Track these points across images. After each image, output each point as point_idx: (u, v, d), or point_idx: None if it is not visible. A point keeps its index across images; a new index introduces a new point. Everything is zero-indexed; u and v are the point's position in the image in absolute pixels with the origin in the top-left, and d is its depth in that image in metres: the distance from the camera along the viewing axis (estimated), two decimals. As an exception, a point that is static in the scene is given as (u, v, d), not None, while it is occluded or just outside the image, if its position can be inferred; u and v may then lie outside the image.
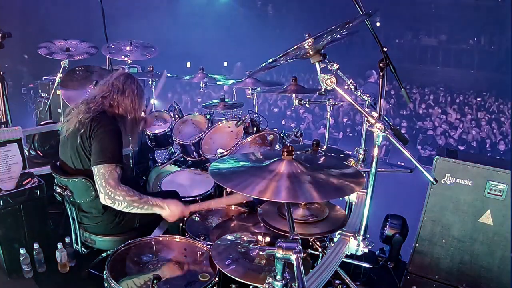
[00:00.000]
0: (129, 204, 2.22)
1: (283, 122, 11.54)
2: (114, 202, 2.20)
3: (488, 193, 2.56)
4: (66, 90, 3.92)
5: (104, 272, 1.90)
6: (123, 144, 2.38)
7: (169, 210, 2.34)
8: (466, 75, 16.35)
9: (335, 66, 1.75)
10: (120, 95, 2.42)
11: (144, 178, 3.95)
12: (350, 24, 1.61)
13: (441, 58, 17.66)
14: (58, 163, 2.51)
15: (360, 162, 2.91)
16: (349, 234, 1.85)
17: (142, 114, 2.72)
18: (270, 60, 1.73)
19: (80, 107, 2.36)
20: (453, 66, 17.12)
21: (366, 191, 1.83)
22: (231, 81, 4.23)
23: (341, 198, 1.95)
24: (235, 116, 3.94)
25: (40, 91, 5.24)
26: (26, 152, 3.52)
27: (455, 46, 17.59)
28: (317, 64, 1.72)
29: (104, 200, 2.21)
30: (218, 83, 4.30)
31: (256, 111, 3.60)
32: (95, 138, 2.24)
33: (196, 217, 2.75)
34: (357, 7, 1.72)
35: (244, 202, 2.86)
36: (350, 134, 11.13)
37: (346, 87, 2.27)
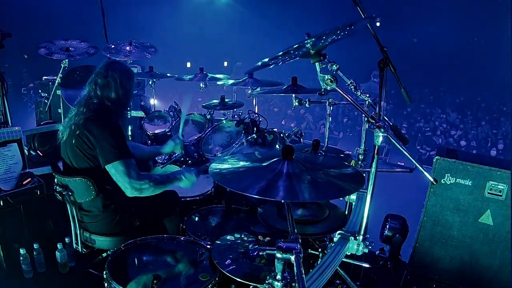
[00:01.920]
0: (154, 188, 2.30)
1: (283, 122, 11.55)
2: (142, 192, 2.26)
3: (488, 193, 2.56)
4: (66, 90, 3.93)
5: (104, 272, 1.90)
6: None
7: (185, 179, 2.45)
8: (466, 75, 16.33)
9: (335, 66, 1.76)
10: (106, 88, 2.38)
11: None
12: (352, 27, 1.61)
13: (441, 58, 17.63)
14: (58, 163, 2.51)
15: (360, 162, 2.91)
16: (349, 234, 1.86)
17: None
18: (267, 59, 1.73)
19: (74, 110, 2.37)
20: (453, 65, 17.09)
21: (366, 191, 1.83)
22: (231, 81, 4.23)
23: (341, 198, 1.96)
24: (235, 116, 3.94)
25: (40, 91, 5.25)
26: (26, 152, 3.52)
27: (455, 46, 17.56)
28: (317, 64, 1.72)
29: (131, 193, 2.25)
30: (218, 83, 4.30)
31: (256, 111, 3.60)
32: (97, 139, 2.23)
33: (196, 217, 2.75)
34: (359, 10, 1.72)
35: (244, 202, 2.87)
36: (350, 134, 11.14)
37: (345, 87, 2.27)
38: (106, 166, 2.24)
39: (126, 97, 2.46)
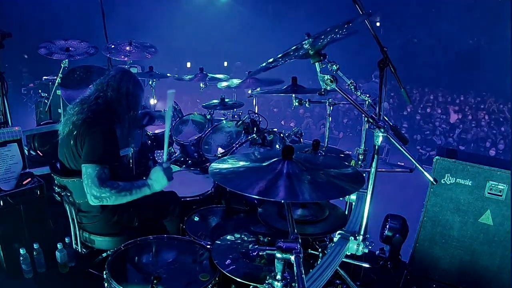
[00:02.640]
0: (117, 196, 2.19)
1: (282, 122, 11.55)
2: (102, 200, 2.17)
3: (488, 193, 2.56)
4: (66, 90, 3.93)
5: (104, 272, 1.90)
6: (120, 145, 2.36)
7: (154, 183, 2.31)
8: (466, 75, 16.34)
9: (335, 67, 1.76)
10: (116, 93, 2.39)
11: (144, 178, 3.95)
12: (350, 24, 1.61)
13: (441, 58, 17.64)
14: (57, 163, 2.51)
15: (360, 162, 2.91)
16: (349, 234, 1.85)
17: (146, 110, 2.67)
18: (270, 60, 1.73)
19: (75, 108, 2.35)
20: (453, 66, 17.10)
21: (366, 191, 1.83)
22: (232, 81, 4.23)
23: (341, 198, 1.96)
24: (235, 116, 3.95)
25: (40, 91, 5.25)
26: (26, 152, 3.52)
27: (456, 46, 17.58)
28: (317, 64, 1.72)
29: (91, 201, 2.18)
30: (219, 83, 4.30)
31: (256, 111, 3.60)
32: (87, 138, 2.23)
33: (196, 217, 2.75)
34: (357, 7, 1.72)
35: (244, 202, 2.87)
36: (350, 134, 11.15)
37: (346, 87, 2.27)
38: (82, 165, 2.21)
39: (132, 107, 2.47)
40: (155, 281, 1.75)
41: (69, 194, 2.38)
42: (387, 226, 3.04)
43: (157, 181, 2.30)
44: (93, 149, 2.20)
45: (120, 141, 2.40)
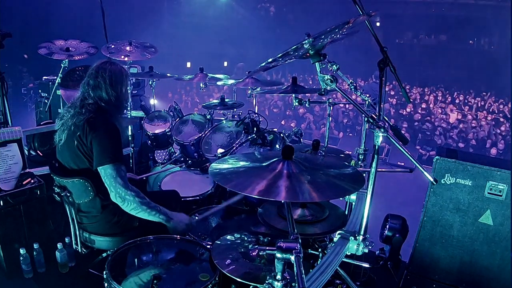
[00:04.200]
0: (138, 205, 2.24)
1: (283, 122, 11.55)
2: (124, 202, 2.23)
3: (488, 193, 2.56)
4: (66, 90, 3.93)
5: (104, 272, 1.90)
6: (122, 143, 2.38)
7: (173, 221, 2.38)
8: (466, 75, 16.33)
9: (335, 67, 1.76)
10: (97, 89, 2.36)
11: (144, 178, 3.96)
12: (350, 24, 1.61)
13: (441, 58, 17.63)
14: (57, 164, 2.51)
15: (360, 162, 2.91)
16: (349, 234, 1.85)
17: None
18: (270, 60, 1.74)
19: (71, 110, 2.36)
20: (453, 66, 17.09)
21: (366, 191, 1.83)
22: (231, 81, 4.23)
23: (341, 198, 1.96)
24: (235, 116, 3.94)
25: (40, 91, 5.25)
26: (26, 152, 3.52)
27: (455, 46, 17.57)
28: (317, 64, 1.72)
29: (115, 198, 2.24)
30: (218, 83, 4.30)
31: (256, 111, 3.60)
32: (94, 140, 2.24)
33: (196, 217, 2.75)
34: (357, 7, 1.72)
35: (244, 202, 2.87)
36: (350, 134, 11.15)
37: (346, 87, 2.28)
38: (98, 168, 2.24)
39: (118, 97, 2.43)
40: (155, 281, 1.75)
41: (68, 195, 2.38)
42: (387, 226, 3.04)
43: (178, 222, 2.41)
44: (105, 150, 2.23)
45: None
